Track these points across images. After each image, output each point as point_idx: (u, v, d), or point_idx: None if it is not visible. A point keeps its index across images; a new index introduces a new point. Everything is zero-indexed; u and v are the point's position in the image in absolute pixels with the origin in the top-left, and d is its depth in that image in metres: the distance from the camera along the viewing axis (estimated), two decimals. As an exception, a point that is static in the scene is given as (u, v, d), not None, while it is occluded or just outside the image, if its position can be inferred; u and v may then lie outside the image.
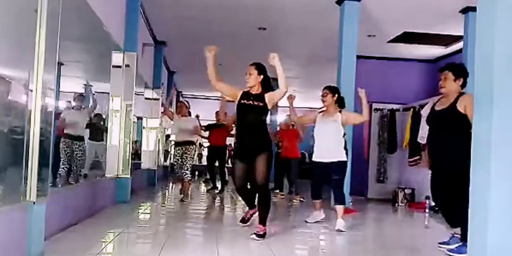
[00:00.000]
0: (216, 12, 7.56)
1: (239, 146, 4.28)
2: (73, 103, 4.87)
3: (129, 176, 6.20)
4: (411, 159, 7.54)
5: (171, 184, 10.64)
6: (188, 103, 7.36)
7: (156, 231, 4.49)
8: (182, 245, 3.81)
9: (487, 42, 2.45)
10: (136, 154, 8.42)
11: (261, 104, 4.09)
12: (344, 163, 4.88)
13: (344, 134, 4.95)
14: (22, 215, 2.86)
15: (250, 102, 4.10)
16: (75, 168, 4.72)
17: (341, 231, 4.60)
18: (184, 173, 6.86)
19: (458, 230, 3.81)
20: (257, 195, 4.31)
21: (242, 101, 4.13)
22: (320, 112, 5.11)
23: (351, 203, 6.68)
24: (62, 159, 4.41)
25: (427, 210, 6.59)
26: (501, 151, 2.35)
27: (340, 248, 4.17)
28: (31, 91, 2.80)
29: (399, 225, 5.88)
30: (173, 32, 8.87)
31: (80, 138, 4.84)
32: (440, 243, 3.92)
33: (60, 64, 3.38)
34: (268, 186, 4.20)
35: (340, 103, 4.97)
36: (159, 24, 8.34)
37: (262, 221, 4.09)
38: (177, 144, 7.22)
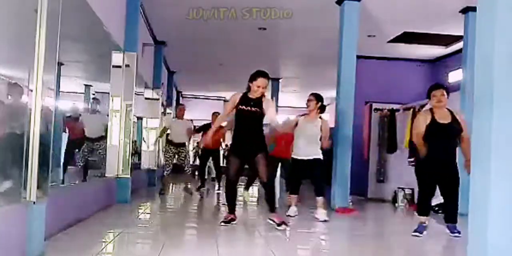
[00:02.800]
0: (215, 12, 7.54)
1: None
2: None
3: (129, 176, 6.20)
4: (411, 159, 7.53)
5: (171, 184, 10.62)
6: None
7: (156, 231, 4.49)
8: (182, 245, 3.81)
9: (487, 42, 2.45)
10: (136, 154, 8.43)
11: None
12: (321, 160, 5.52)
13: (321, 138, 5.54)
14: (22, 215, 2.86)
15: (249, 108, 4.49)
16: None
17: (326, 220, 5.21)
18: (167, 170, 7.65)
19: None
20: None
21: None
22: (302, 115, 5.69)
23: (351, 203, 6.68)
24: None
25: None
26: (501, 151, 2.35)
27: (340, 248, 4.16)
28: (31, 91, 2.80)
29: (399, 225, 5.88)
30: (173, 32, 8.86)
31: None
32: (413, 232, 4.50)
33: (60, 64, 3.38)
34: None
35: (321, 110, 5.60)
36: (159, 24, 8.33)
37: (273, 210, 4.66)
38: (172, 144, 7.72)
